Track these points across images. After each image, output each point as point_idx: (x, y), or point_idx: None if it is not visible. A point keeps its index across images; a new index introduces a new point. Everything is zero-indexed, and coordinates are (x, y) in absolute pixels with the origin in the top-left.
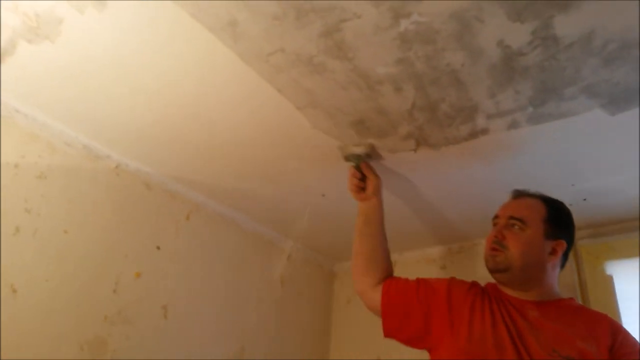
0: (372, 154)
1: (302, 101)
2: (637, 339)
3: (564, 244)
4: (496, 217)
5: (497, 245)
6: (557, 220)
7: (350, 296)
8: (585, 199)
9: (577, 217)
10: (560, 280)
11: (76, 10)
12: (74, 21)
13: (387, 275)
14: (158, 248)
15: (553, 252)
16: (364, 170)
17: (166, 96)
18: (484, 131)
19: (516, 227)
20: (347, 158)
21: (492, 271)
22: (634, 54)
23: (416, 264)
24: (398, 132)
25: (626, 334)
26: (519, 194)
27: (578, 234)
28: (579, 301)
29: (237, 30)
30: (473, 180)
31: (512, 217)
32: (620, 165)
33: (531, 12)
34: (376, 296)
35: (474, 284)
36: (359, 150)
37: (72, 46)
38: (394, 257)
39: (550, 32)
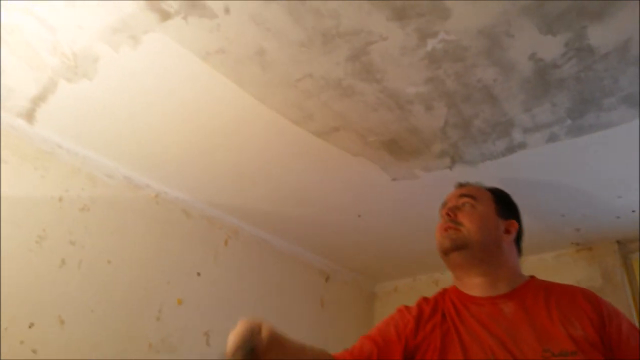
0: (256, 344)
1: (333, 124)
2: None
3: (516, 224)
4: (444, 204)
5: (451, 223)
6: (504, 201)
7: None
8: (634, 211)
9: (628, 230)
10: (610, 293)
11: (111, 48)
12: (109, 59)
13: None
14: (198, 274)
15: (507, 231)
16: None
17: (200, 125)
18: (522, 145)
19: (467, 205)
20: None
21: (449, 251)
22: None
23: None
24: (432, 150)
25: (607, 306)
26: (463, 184)
27: (630, 246)
28: (634, 317)
29: (266, 59)
30: (513, 196)
31: (462, 195)
32: None
33: (563, 24)
34: None
35: (429, 303)
36: (242, 346)
37: (109, 82)
38: (436, 275)
39: (585, 43)
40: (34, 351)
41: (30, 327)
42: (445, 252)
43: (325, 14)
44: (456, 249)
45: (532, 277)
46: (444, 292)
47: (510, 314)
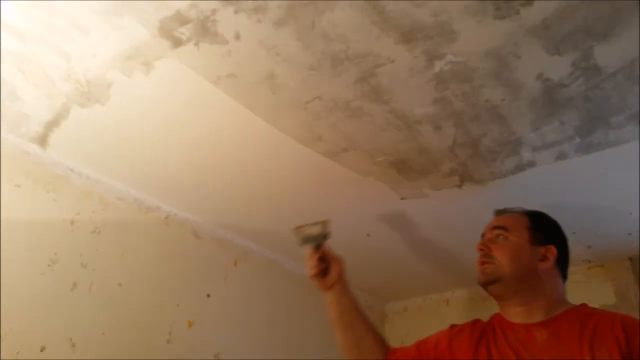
0: (328, 233)
1: (342, 144)
2: None
3: (553, 249)
4: (482, 235)
5: (485, 257)
6: (541, 226)
7: (403, 337)
8: None
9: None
10: (624, 311)
11: (124, 74)
12: (122, 84)
13: (385, 353)
14: (208, 296)
15: (544, 258)
16: (326, 251)
17: (210, 148)
18: (531, 164)
19: (500, 237)
20: (305, 240)
21: (484, 285)
22: None
23: (470, 301)
24: (440, 169)
25: None
26: (500, 212)
27: None
28: None
29: (276, 82)
30: None
31: (495, 227)
32: None
33: (569, 45)
34: None
35: (476, 323)
36: (317, 229)
37: (121, 107)
38: (447, 295)
39: (592, 63)
40: None
41: (42, 350)
42: (482, 286)
43: (334, 39)
44: (490, 284)
45: (582, 305)
46: (492, 317)
47: (542, 341)
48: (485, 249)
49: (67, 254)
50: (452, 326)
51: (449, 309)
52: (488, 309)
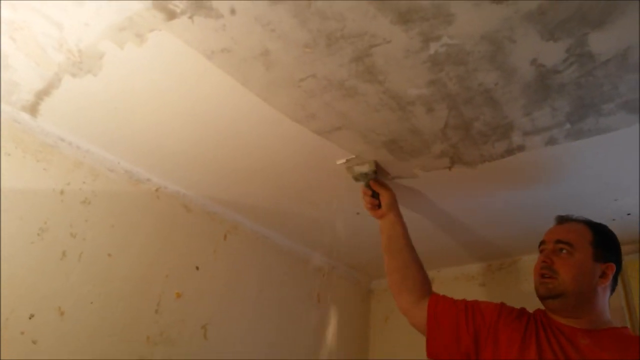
0: (377, 171)
1: (335, 123)
2: None
3: (613, 267)
4: (542, 242)
5: (547, 270)
6: (604, 242)
7: (388, 314)
8: (629, 214)
9: (622, 232)
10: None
11: (117, 45)
12: (114, 55)
13: (427, 290)
14: (197, 268)
15: (603, 275)
16: (375, 187)
17: (202, 122)
18: (520, 148)
19: (564, 251)
20: (356, 178)
21: (544, 298)
22: None
23: (454, 280)
24: (432, 150)
25: None
26: (562, 219)
27: (623, 249)
28: (627, 322)
29: (270, 59)
30: (512, 196)
31: (559, 241)
32: None
33: (564, 31)
34: (421, 314)
35: (523, 311)
36: (365, 168)
37: (113, 78)
38: (432, 274)
39: (585, 50)
40: (34, 342)
41: (30, 318)
42: (540, 298)
43: (331, 17)
44: (551, 298)
45: (624, 327)
46: (535, 312)
47: (585, 346)
48: (548, 262)
49: (57, 224)
50: (502, 304)
51: (433, 287)
52: (471, 289)
